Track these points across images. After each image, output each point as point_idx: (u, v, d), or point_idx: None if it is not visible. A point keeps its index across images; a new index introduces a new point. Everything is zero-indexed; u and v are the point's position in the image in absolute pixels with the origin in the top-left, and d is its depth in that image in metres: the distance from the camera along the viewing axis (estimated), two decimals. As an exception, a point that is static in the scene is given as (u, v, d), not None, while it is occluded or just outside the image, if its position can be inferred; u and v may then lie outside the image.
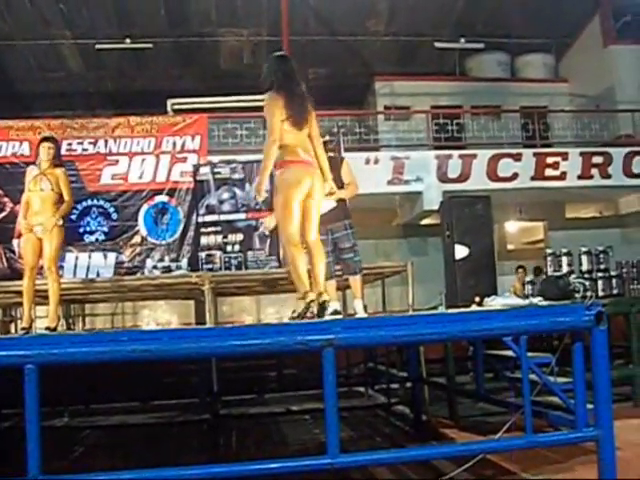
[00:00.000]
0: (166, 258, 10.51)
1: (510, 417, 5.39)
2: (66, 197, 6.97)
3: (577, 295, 7.45)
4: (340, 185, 6.86)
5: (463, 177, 13.23)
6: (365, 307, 6.98)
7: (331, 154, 7.19)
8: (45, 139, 7.23)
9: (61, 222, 6.93)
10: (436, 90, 16.87)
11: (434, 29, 16.78)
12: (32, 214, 6.89)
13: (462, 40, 17.10)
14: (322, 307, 5.14)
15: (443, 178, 13.20)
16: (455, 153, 13.53)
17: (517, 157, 13.53)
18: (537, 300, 6.31)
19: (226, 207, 10.43)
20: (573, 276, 8.28)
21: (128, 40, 15.76)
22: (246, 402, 10.70)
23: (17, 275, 9.96)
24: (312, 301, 5.13)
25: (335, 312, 6.22)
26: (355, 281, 7.04)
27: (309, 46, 16.14)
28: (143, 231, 10.65)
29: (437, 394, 9.19)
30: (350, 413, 9.55)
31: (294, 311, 5.36)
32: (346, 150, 10.65)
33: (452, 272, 9.55)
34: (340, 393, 4.18)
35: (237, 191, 10.51)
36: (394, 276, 9.74)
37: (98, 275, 10.15)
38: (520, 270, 12.44)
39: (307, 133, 5.39)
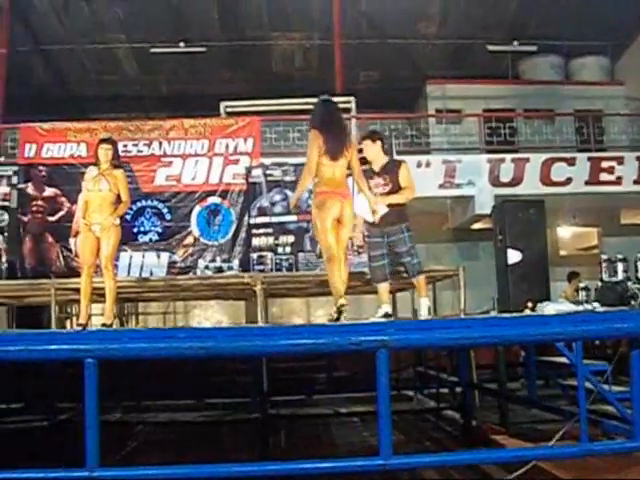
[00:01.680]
0: (218, 259, 10.60)
1: (563, 425, 5.32)
2: (123, 197, 7.11)
3: (634, 302, 7.31)
4: (397, 189, 6.91)
5: (515, 181, 13.08)
6: (429, 308, 6.98)
7: (396, 157, 7.32)
8: (103, 141, 7.36)
9: (118, 221, 7.07)
10: (488, 93, 16.70)
11: (486, 32, 16.63)
12: (91, 213, 7.01)
13: (515, 43, 16.94)
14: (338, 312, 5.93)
15: (495, 182, 13.06)
16: (507, 157, 13.37)
17: (571, 161, 13.33)
18: (594, 306, 6.21)
19: (278, 209, 10.51)
20: (629, 283, 8.12)
21: (182, 44, 16.00)
22: (295, 403, 10.74)
23: (73, 273, 10.19)
24: (343, 305, 5.91)
25: (386, 315, 6.39)
26: (418, 282, 7.05)
27: (360, 49, 16.16)
28: (196, 232, 10.75)
29: (487, 400, 9.11)
30: (399, 417, 9.53)
31: (330, 314, 6.07)
32: (398, 153, 10.64)
33: (504, 277, 9.47)
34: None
35: (289, 193, 10.56)
36: (444, 280, 9.69)
37: (151, 274, 10.27)
38: (573, 276, 12.25)
39: (345, 163, 6.32)
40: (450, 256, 14.35)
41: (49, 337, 4.48)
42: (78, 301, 10.51)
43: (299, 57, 17.26)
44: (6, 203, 10.97)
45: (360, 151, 7.01)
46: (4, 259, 10.82)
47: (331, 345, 3.99)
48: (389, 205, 6.82)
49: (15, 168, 11.24)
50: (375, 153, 7.10)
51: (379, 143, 7.13)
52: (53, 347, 4.11)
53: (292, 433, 8.73)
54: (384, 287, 6.99)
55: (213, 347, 3.91)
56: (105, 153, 7.13)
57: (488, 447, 7.36)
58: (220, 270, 10.36)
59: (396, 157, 7.46)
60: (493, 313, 8.98)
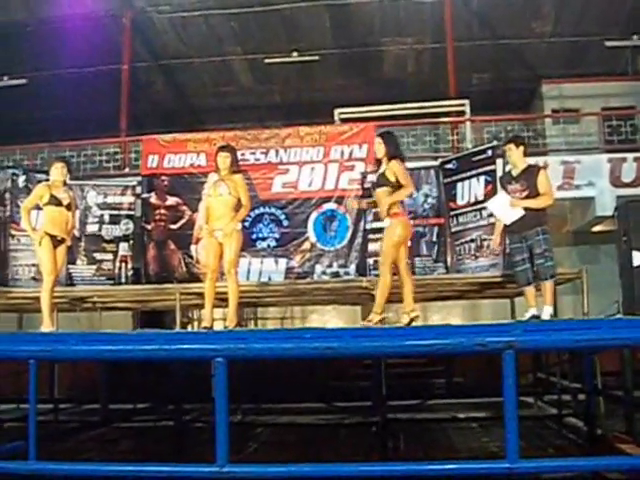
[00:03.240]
0: (334, 264, 10.67)
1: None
2: (243, 202, 7.27)
3: None
4: (534, 194, 7.05)
5: (638, 181, 12.58)
6: (551, 316, 6.91)
7: (531, 162, 7.42)
8: (222, 148, 7.56)
9: (240, 226, 7.26)
10: (607, 91, 16.13)
11: (604, 27, 16.00)
12: (213, 219, 7.21)
13: (634, 37, 16.25)
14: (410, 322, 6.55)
15: (616, 182, 12.57)
16: (629, 156, 12.83)
17: (699, 159, 12.68)
18: None
19: (393, 214, 10.50)
20: None
21: (295, 53, 16.24)
22: (413, 407, 10.69)
23: (194, 278, 10.55)
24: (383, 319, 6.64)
25: (533, 317, 6.41)
26: (545, 287, 7.04)
27: (473, 51, 15.94)
28: (312, 237, 10.85)
29: (613, 408, 8.80)
30: (520, 423, 9.30)
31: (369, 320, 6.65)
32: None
33: (629, 280, 9.11)
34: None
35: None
36: (564, 285, 9.48)
37: (269, 280, 10.46)
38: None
39: None
40: (570, 260, 13.92)
41: (181, 337, 4.67)
42: (199, 306, 10.90)
43: (411, 61, 17.17)
44: (131, 212, 11.43)
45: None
46: (129, 266, 11.29)
47: (457, 346, 3.97)
48: (526, 209, 6.99)
49: (139, 178, 11.72)
50: (516, 157, 7.28)
51: (522, 148, 7.30)
52: (185, 347, 4.28)
53: (410, 437, 8.70)
54: (529, 290, 7.10)
55: (339, 347, 3.96)
56: (223, 160, 7.34)
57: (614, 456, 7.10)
58: (337, 275, 10.44)
59: (531, 162, 7.48)
60: (619, 317, 8.65)
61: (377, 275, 9.99)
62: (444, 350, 3.97)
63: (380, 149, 7.18)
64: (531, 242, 6.98)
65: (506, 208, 7.13)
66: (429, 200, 10.62)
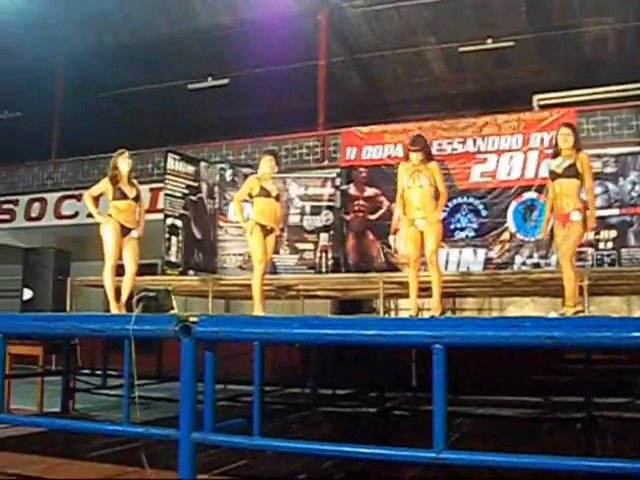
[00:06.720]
0: (535, 255, 10.42)
1: None
2: (441, 189, 7.17)
3: None
4: None
5: None
6: None
7: None
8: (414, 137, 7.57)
9: (441, 216, 7.27)
10: None
11: None
12: (413, 209, 7.22)
13: None
14: None
15: None
16: None
17: None
18: None
19: (598, 202, 10.09)
20: None
21: (490, 40, 15.92)
22: (620, 406, 10.22)
23: (393, 268, 10.73)
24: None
25: None
26: None
27: (684, 26, 14.95)
28: (512, 227, 10.66)
29: None
30: None
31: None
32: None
33: None
34: None
35: (610, 185, 10.17)
36: None
37: (468, 270, 10.42)
38: None
39: None
40: None
41: (399, 323, 4.79)
42: (397, 295, 11.05)
43: (612, 42, 16.35)
44: (331, 203, 11.88)
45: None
46: (330, 255, 11.69)
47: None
48: None
49: (338, 170, 12.12)
50: None
51: None
52: (404, 332, 4.38)
53: (619, 436, 8.33)
54: None
55: (561, 337, 3.89)
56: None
57: None
58: (537, 266, 10.20)
59: None
60: None
61: (581, 266, 9.73)
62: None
63: (569, 140, 6.81)
64: None
65: None
66: (637, 188, 10.13)
